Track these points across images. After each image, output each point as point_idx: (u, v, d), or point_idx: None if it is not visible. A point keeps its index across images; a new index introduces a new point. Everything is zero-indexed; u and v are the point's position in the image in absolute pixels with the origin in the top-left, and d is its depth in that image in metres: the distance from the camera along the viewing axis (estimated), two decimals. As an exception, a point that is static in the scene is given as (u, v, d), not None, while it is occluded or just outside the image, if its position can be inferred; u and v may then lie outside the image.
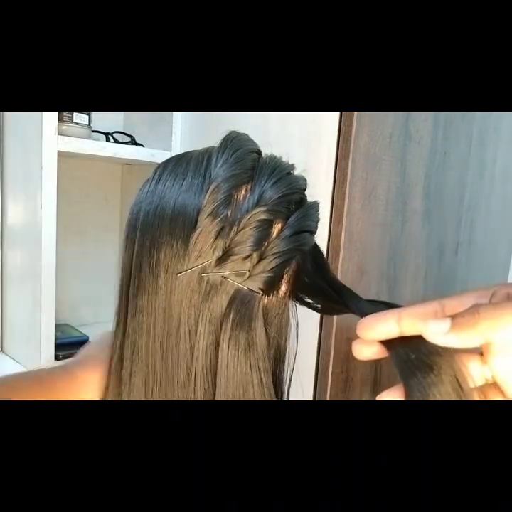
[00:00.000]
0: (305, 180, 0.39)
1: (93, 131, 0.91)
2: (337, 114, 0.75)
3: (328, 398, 0.78)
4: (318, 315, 0.79)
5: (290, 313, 0.40)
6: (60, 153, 0.80)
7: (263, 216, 0.35)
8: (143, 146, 1.02)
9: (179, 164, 0.39)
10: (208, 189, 0.36)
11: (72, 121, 0.85)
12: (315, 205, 0.39)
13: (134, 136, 1.04)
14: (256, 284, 0.36)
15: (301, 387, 0.81)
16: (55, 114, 0.79)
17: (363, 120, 0.75)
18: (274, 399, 0.37)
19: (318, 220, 0.40)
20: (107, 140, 0.99)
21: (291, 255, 0.36)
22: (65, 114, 0.83)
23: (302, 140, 0.80)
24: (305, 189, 0.39)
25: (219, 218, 0.35)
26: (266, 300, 0.37)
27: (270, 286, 0.36)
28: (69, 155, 0.86)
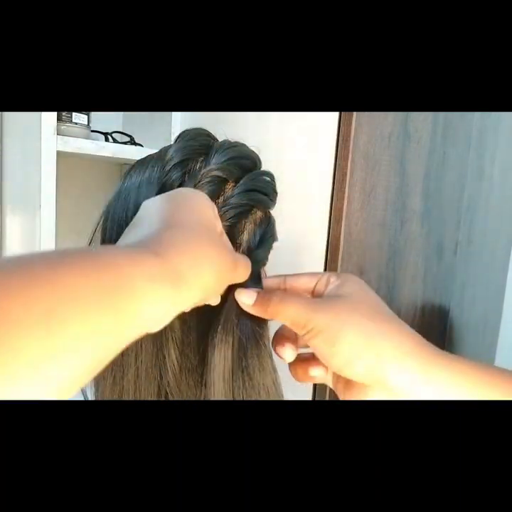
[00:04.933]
0: (255, 153, 0.43)
1: (92, 131, 0.91)
2: (336, 114, 0.75)
3: (327, 398, 0.78)
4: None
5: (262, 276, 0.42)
6: (59, 153, 0.80)
7: (216, 173, 0.38)
8: (142, 146, 1.02)
9: (141, 163, 0.42)
10: (163, 167, 0.39)
11: (71, 121, 0.85)
12: (268, 173, 0.43)
13: (134, 136, 1.04)
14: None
15: (300, 388, 0.81)
16: (54, 114, 0.79)
17: (362, 120, 0.75)
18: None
19: (273, 187, 0.43)
20: (106, 140, 0.98)
21: (245, 209, 0.39)
22: (64, 114, 0.83)
23: (301, 140, 0.80)
24: (256, 158, 0.43)
25: (177, 175, 0.38)
26: None
27: (230, 238, 0.38)
28: (68, 155, 0.86)
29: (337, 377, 0.36)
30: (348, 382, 0.35)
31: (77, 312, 0.21)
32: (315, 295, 0.38)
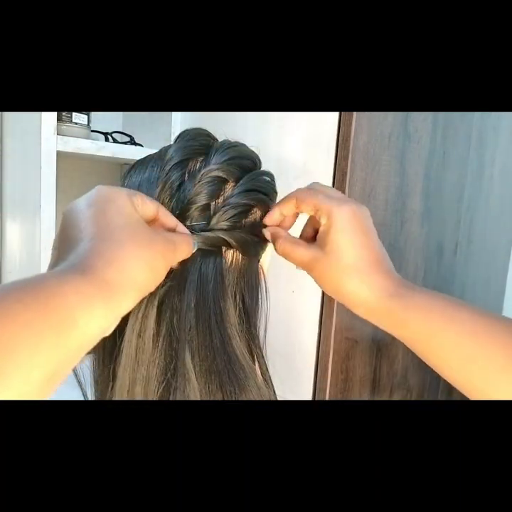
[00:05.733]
0: (255, 153, 0.43)
1: (92, 131, 0.91)
2: (336, 114, 0.75)
3: (327, 398, 0.78)
4: (317, 315, 0.79)
5: (260, 275, 0.42)
6: (59, 153, 0.80)
7: (216, 173, 0.38)
8: (142, 146, 1.02)
9: (141, 163, 0.42)
10: (163, 167, 0.39)
11: (71, 121, 0.85)
12: (268, 173, 0.43)
13: (134, 136, 1.04)
14: (217, 235, 0.38)
15: (300, 388, 0.81)
16: (54, 114, 0.79)
17: (362, 120, 0.75)
18: (249, 361, 0.39)
19: (273, 187, 0.43)
20: (106, 140, 0.98)
21: (245, 209, 0.40)
22: (64, 114, 0.83)
23: (301, 140, 0.80)
24: (256, 158, 0.43)
25: (176, 180, 0.38)
26: (230, 256, 0.39)
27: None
28: (68, 155, 0.86)
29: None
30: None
31: (25, 347, 0.23)
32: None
